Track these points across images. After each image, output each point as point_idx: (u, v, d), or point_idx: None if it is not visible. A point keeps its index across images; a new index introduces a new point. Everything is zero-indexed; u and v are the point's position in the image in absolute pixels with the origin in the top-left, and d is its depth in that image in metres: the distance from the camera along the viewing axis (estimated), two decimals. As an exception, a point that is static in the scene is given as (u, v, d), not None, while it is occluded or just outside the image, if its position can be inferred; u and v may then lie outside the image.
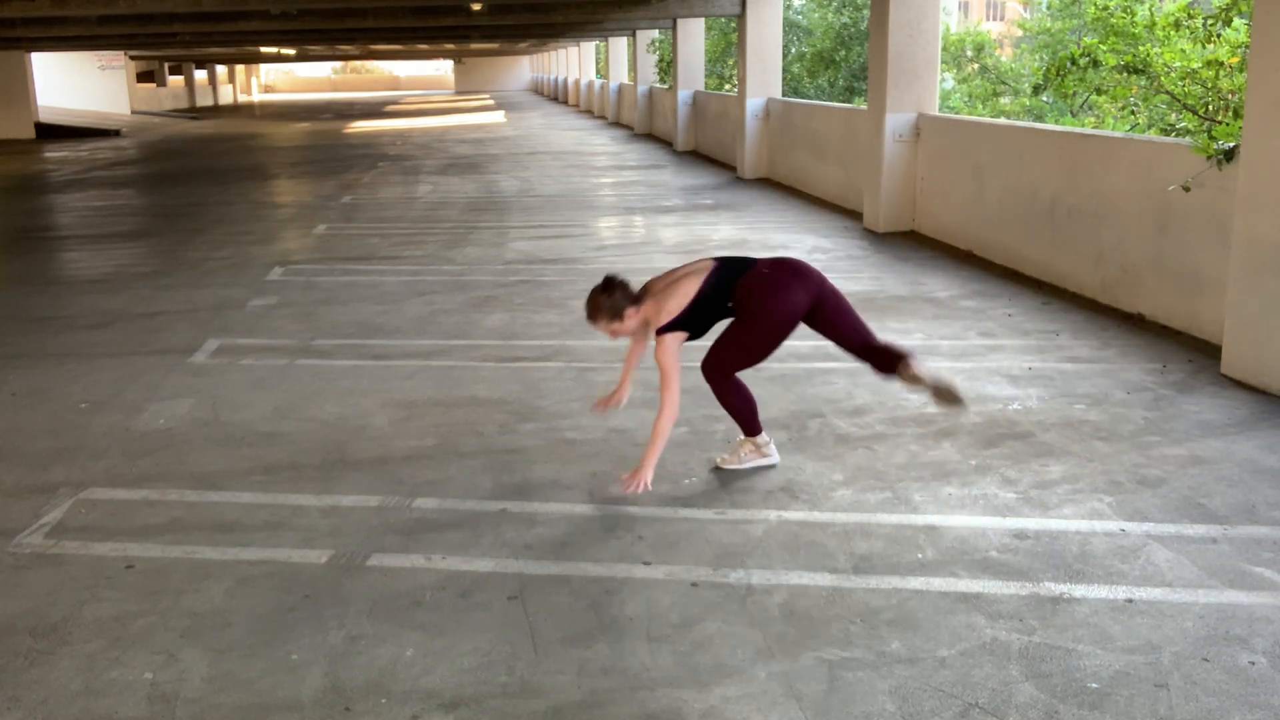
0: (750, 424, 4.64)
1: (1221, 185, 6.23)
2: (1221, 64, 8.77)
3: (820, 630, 3.37)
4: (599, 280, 4.42)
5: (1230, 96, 9.16)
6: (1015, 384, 5.74)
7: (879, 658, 3.21)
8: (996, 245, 9.01)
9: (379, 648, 3.32)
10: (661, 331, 4.31)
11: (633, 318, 4.36)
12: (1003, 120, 12.71)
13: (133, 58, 41.77)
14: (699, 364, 4.56)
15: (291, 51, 45.58)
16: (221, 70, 59.39)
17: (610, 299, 4.33)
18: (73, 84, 36.93)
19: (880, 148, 10.57)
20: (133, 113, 40.03)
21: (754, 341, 4.45)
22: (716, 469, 4.66)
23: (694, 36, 20.28)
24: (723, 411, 5.32)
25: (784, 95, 17.21)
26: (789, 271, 4.43)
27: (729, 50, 25.63)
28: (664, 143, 22.47)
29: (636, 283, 4.49)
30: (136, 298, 8.34)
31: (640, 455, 4.72)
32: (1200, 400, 5.45)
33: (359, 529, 4.15)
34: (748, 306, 4.39)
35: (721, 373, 4.52)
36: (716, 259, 4.49)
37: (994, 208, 9.06)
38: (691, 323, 4.37)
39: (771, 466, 4.67)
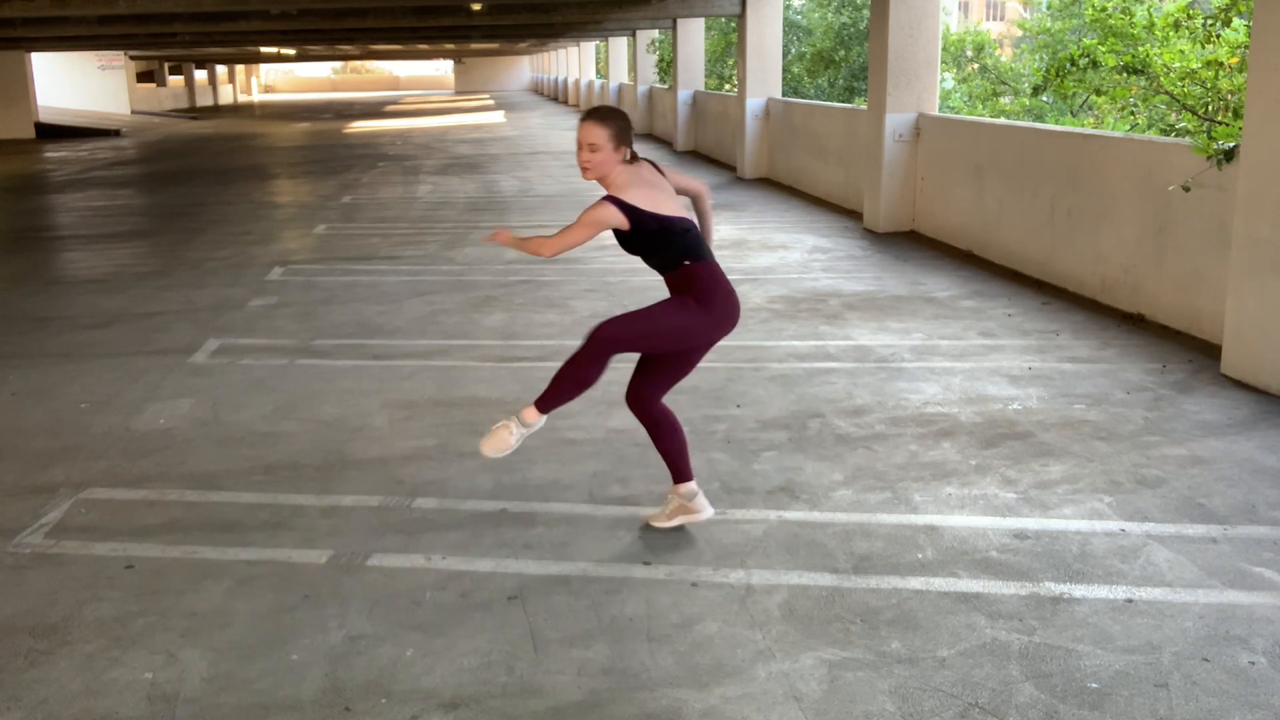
0: (680, 466, 4.09)
1: (1221, 185, 6.23)
2: (1221, 64, 8.75)
3: (820, 630, 3.37)
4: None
5: (1230, 96, 9.14)
6: (1015, 384, 5.74)
7: (879, 658, 3.21)
8: (996, 245, 9.00)
9: (379, 648, 3.32)
10: (609, 200, 3.78)
11: (612, 156, 3.83)
12: (1003, 120, 12.70)
13: (132, 58, 41.77)
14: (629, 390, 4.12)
15: (291, 51, 45.62)
16: (221, 70, 59.41)
17: (618, 123, 3.86)
18: (73, 84, 36.94)
19: (880, 148, 10.57)
20: (132, 113, 40.04)
21: (656, 332, 3.90)
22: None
23: (694, 36, 20.28)
24: (722, 412, 5.33)
25: (784, 95, 17.21)
26: (725, 304, 3.91)
27: (729, 50, 25.61)
28: (664, 143, 22.47)
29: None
30: (136, 298, 8.34)
31: (627, 449, 4.73)
32: (1200, 400, 5.45)
33: (359, 529, 4.15)
34: (678, 292, 3.92)
35: (605, 339, 3.85)
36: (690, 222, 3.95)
37: (994, 208, 9.06)
38: (634, 233, 3.84)
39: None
